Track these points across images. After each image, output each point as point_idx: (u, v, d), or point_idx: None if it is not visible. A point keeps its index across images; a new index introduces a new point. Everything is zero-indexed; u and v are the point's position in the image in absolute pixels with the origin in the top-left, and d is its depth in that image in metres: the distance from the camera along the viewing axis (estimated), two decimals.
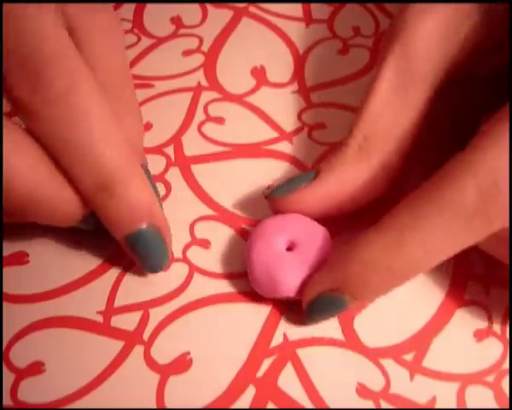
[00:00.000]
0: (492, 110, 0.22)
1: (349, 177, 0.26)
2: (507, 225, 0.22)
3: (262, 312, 0.26)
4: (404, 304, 0.26)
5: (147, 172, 0.27)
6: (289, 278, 0.25)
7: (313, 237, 0.26)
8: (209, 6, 0.36)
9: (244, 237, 0.28)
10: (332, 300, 0.24)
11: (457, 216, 0.21)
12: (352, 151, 0.26)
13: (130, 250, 0.26)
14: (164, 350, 0.25)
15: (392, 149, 0.26)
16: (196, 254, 0.28)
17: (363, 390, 0.24)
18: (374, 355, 0.25)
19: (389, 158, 0.26)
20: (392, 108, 0.26)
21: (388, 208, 0.23)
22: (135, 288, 0.27)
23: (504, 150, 0.21)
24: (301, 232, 0.26)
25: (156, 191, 0.27)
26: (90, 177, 0.23)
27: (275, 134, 0.31)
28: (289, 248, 0.26)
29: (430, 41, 0.25)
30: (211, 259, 0.28)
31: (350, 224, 0.28)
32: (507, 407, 0.24)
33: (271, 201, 0.27)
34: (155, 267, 0.26)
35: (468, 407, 0.24)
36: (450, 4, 0.25)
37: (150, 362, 0.25)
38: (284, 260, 0.25)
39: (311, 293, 0.24)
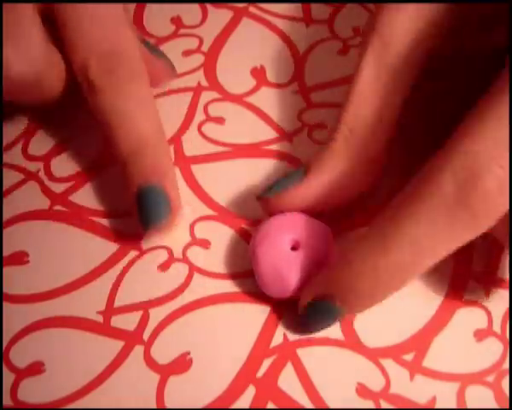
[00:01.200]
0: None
1: (337, 173, 0.26)
2: (504, 215, 0.21)
3: (262, 312, 0.26)
4: (404, 304, 0.26)
5: (144, 39, 0.31)
6: (297, 277, 0.25)
7: (316, 235, 0.26)
8: (209, 6, 0.36)
9: (244, 236, 0.28)
10: (324, 306, 0.24)
11: (438, 208, 0.21)
12: (338, 145, 0.26)
13: (137, 203, 0.27)
14: (164, 350, 0.25)
15: (376, 143, 0.26)
16: (196, 254, 0.28)
17: (363, 390, 0.24)
18: (374, 355, 0.25)
19: (374, 151, 0.26)
20: (374, 101, 0.26)
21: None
22: (135, 288, 0.27)
23: (479, 136, 0.20)
24: (304, 231, 0.26)
25: (152, 46, 0.32)
26: (128, 138, 0.28)
27: (275, 134, 0.31)
28: (294, 248, 0.26)
29: (405, 31, 0.26)
30: (211, 259, 0.28)
31: (350, 221, 0.28)
32: (507, 407, 0.24)
33: (262, 201, 0.27)
34: (152, 222, 0.27)
35: (468, 407, 0.24)
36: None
37: (150, 362, 0.25)
38: (291, 259, 0.25)
39: (305, 298, 0.24)
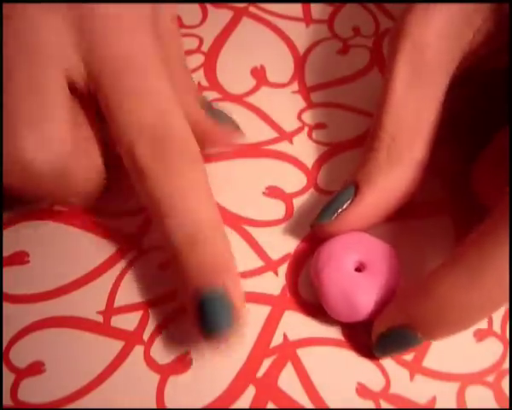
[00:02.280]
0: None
1: (389, 185, 0.26)
2: None
3: (262, 312, 0.26)
4: None
5: (207, 103, 0.29)
6: (367, 301, 0.24)
7: (382, 256, 0.25)
8: (209, 6, 0.36)
9: (244, 236, 0.28)
10: (403, 335, 0.23)
11: None
12: (383, 155, 0.26)
13: (197, 307, 0.24)
14: (164, 350, 0.25)
15: (420, 145, 0.26)
16: None
17: (363, 390, 0.24)
18: (374, 355, 0.25)
19: (419, 154, 0.26)
20: (413, 103, 0.26)
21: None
22: (135, 288, 0.27)
23: None
24: (369, 252, 0.25)
25: (233, 120, 0.30)
26: (182, 229, 0.24)
27: (275, 134, 0.31)
28: (358, 269, 0.25)
29: (442, 33, 0.25)
30: None
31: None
32: (507, 407, 0.24)
33: (318, 228, 0.27)
34: (215, 332, 0.23)
35: (468, 407, 0.24)
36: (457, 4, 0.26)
37: (150, 362, 0.25)
38: (359, 282, 0.25)
39: (381, 326, 0.24)
